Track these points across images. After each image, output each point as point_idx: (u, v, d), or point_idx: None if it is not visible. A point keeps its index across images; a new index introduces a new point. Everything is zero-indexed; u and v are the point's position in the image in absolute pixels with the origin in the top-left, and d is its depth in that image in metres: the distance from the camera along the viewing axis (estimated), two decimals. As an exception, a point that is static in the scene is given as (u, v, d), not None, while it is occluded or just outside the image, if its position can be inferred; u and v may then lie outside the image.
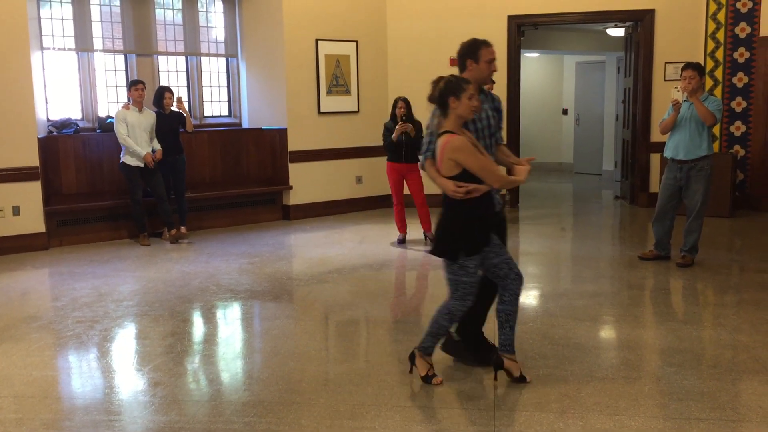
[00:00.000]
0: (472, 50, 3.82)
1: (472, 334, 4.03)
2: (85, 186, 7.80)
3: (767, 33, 8.65)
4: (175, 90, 7.89)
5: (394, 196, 7.40)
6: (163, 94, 7.64)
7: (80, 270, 6.47)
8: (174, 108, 7.70)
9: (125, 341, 4.72)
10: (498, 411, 3.42)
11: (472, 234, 3.53)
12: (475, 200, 3.49)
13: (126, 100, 7.56)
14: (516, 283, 3.66)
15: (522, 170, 3.64)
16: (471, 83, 3.55)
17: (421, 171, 3.86)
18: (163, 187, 7.58)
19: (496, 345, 3.81)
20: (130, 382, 3.93)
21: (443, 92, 3.49)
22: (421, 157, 3.78)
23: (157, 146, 7.52)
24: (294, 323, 4.92)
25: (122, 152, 7.42)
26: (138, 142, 7.33)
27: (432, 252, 3.67)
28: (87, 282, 6.03)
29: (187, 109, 7.97)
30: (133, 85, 7.43)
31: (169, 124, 7.66)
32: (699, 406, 3.42)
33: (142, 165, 7.40)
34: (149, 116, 7.50)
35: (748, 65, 8.87)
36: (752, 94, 8.89)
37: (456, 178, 3.48)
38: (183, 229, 7.78)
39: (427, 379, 3.73)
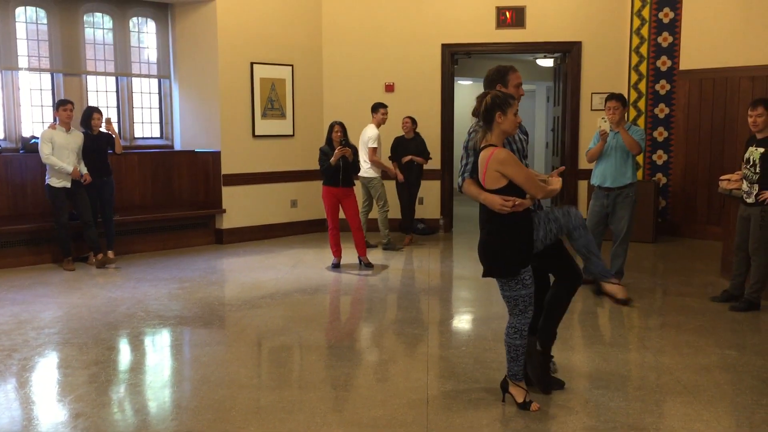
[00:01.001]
0: (502, 75, 3.93)
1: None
2: (5, 208, 7.50)
3: (686, 66, 9.09)
4: (104, 111, 7.70)
5: (329, 221, 7.38)
6: (91, 114, 7.44)
7: (-1, 296, 6.19)
8: (102, 129, 7.51)
9: (46, 371, 4.51)
10: (430, 436, 3.42)
11: (522, 246, 3.56)
12: (519, 215, 3.52)
13: (53, 120, 7.33)
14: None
15: (557, 180, 3.68)
16: (516, 100, 3.60)
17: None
18: (90, 211, 7.35)
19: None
20: (51, 414, 3.75)
21: (490, 107, 3.52)
22: (459, 179, 3.76)
23: (84, 170, 7.29)
24: (225, 350, 4.82)
25: (47, 174, 7.17)
26: (65, 163, 7.10)
27: (488, 274, 3.66)
28: (5, 308, 5.76)
29: (116, 130, 7.77)
30: (61, 104, 7.20)
31: (98, 146, 7.46)
32: (625, 428, 3.50)
33: (69, 185, 7.16)
34: (77, 137, 7.28)
35: (668, 97, 9.28)
36: (673, 125, 9.30)
37: (499, 191, 3.50)
38: (110, 253, 7.55)
39: (524, 406, 3.67)
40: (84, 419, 3.61)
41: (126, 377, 4.37)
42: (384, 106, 8.36)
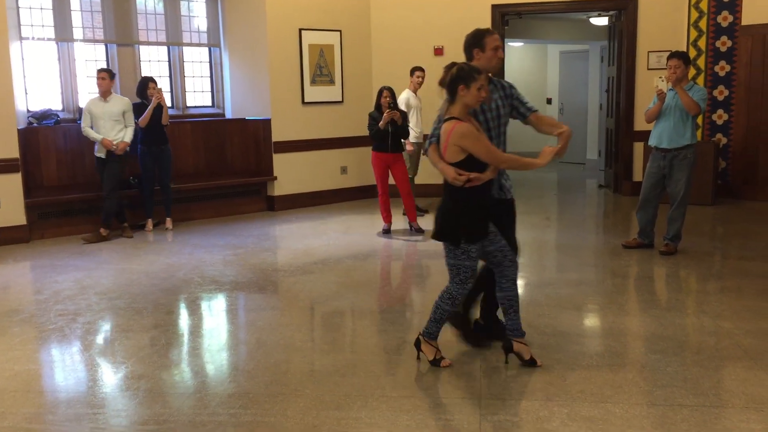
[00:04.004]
0: (477, 39, 3.86)
1: (489, 316, 4.19)
2: (66, 178, 7.71)
3: (749, 21, 8.70)
4: (157, 80, 7.80)
5: (379, 186, 7.38)
6: (146, 84, 7.56)
7: (62, 263, 6.40)
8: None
9: (108, 334, 4.67)
10: (484, 399, 3.42)
11: (473, 220, 3.57)
12: (474, 188, 3.53)
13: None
14: (511, 269, 3.72)
15: (546, 154, 3.55)
16: (482, 73, 3.57)
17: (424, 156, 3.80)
18: (116, 181, 7.26)
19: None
20: (114, 375, 3.89)
21: (454, 79, 3.52)
22: (426, 143, 3.78)
23: (127, 137, 7.30)
24: (279, 314, 4.90)
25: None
26: (102, 132, 7.20)
27: (435, 236, 3.69)
28: (69, 275, 5.97)
29: (164, 100, 7.75)
30: (97, 73, 7.29)
31: (153, 115, 7.57)
32: (682, 393, 3.44)
33: (103, 156, 7.27)
34: (117, 103, 7.29)
35: (730, 54, 8.92)
36: (734, 83, 8.95)
37: (460, 164, 3.52)
38: (168, 221, 7.72)
39: (435, 363, 3.81)
40: (146, 380, 3.74)
41: (184, 340, 4.49)
42: (419, 69, 7.95)
